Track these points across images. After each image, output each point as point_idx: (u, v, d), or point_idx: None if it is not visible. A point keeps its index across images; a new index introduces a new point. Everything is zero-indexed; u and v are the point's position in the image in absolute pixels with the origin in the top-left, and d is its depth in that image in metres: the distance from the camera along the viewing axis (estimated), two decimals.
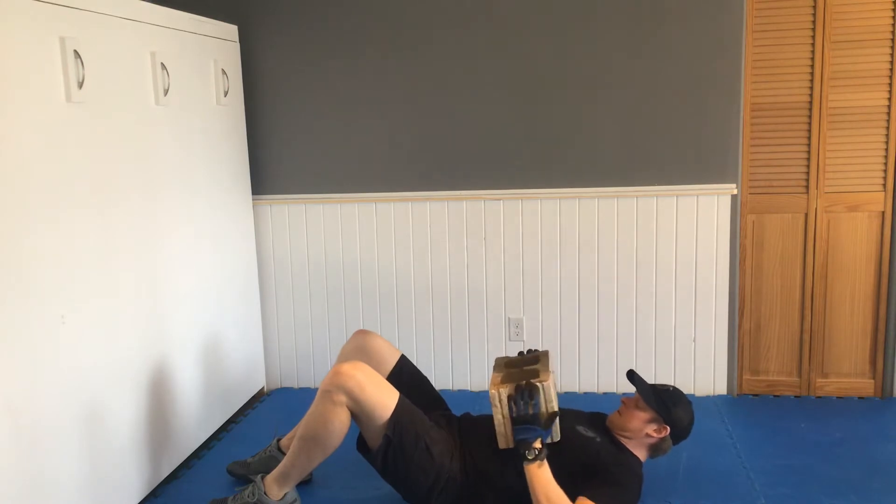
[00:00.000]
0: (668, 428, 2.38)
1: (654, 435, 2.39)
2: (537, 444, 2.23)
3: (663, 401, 2.40)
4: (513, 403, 2.25)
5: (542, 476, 2.21)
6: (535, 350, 2.54)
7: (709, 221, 3.28)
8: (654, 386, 2.46)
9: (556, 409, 2.27)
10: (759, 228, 3.33)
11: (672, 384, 2.48)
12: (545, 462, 2.22)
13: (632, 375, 2.48)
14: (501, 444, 2.32)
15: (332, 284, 3.59)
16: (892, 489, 2.53)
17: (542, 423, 2.23)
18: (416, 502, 2.38)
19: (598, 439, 2.37)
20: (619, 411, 2.47)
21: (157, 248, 2.69)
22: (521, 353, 2.56)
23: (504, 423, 2.29)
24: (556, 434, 2.30)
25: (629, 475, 2.32)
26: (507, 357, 2.59)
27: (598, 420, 2.51)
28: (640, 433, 2.39)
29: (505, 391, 2.28)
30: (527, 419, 2.23)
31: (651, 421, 2.39)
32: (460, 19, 3.30)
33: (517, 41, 3.27)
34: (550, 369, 2.36)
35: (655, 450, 2.44)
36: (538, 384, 2.25)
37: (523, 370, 2.40)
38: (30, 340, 2.06)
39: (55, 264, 2.16)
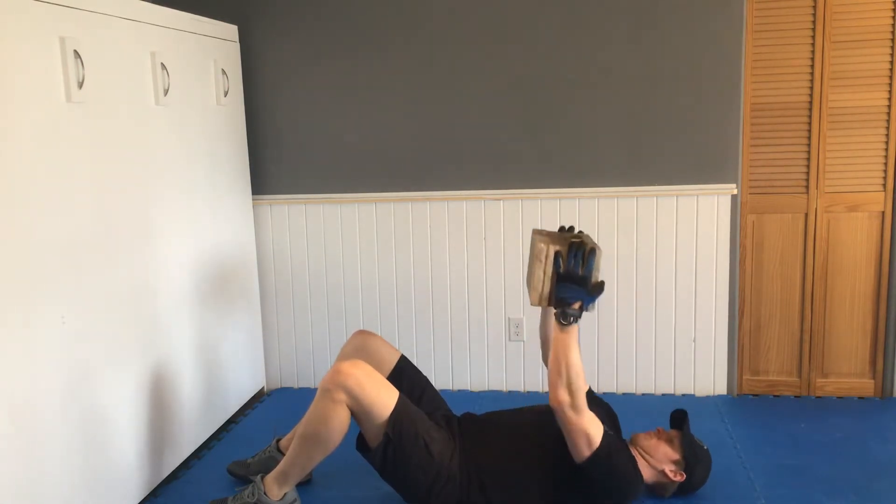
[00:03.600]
0: (685, 476, 2.41)
1: (669, 476, 2.41)
2: (576, 306, 2.13)
3: (694, 451, 2.43)
4: (561, 260, 2.13)
5: (569, 338, 2.14)
6: (573, 228, 2.39)
7: (709, 221, 3.28)
8: (693, 436, 2.48)
9: (603, 280, 2.17)
10: (759, 228, 3.33)
11: (706, 446, 2.52)
12: (576, 329, 2.15)
13: (683, 416, 2.50)
14: (533, 300, 2.19)
15: (331, 284, 3.59)
16: (892, 489, 2.53)
17: (589, 287, 2.13)
18: (415, 502, 2.38)
19: (612, 433, 2.38)
20: (650, 435, 2.49)
21: (157, 248, 2.69)
22: (561, 229, 2.40)
23: (544, 279, 2.16)
24: (593, 306, 2.18)
25: (632, 464, 2.34)
26: (546, 229, 2.40)
27: (612, 417, 2.53)
28: (659, 465, 2.42)
29: (555, 247, 2.14)
30: (575, 278, 2.11)
31: (674, 462, 2.42)
32: (460, 19, 3.30)
33: (517, 41, 3.27)
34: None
35: (659, 488, 2.46)
36: (598, 249, 2.14)
37: (568, 236, 2.25)
38: (30, 340, 2.07)
39: (55, 264, 2.16)
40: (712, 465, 2.50)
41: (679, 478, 2.41)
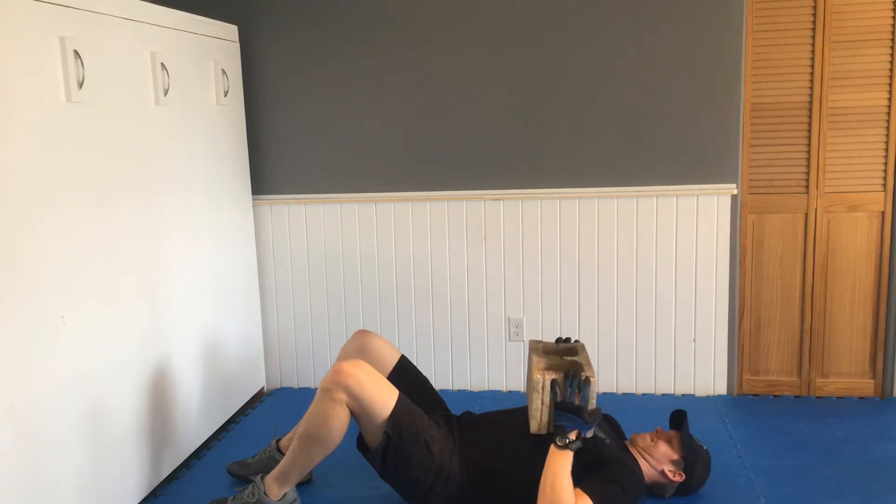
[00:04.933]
0: (684, 477, 2.41)
1: (668, 476, 2.42)
2: (573, 435, 2.17)
3: (694, 451, 2.43)
4: (558, 388, 2.18)
5: (562, 464, 2.17)
6: (569, 339, 2.49)
7: (709, 221, 3.28)
8: (692, 436, 2.48)
9: (599, 407, 2.23)
10: (759, 228, 3.33)
11: (706, 446, 2.52)
12: (570, 454, 2.18)
13: (682, 416, 2.50)
14: (532, 429, 2.26)
15: (331, 284, 3.59)
16: (892, 489, 2.53)
17: (586, 416, 2.17)
18: (415, 501, 2.39)
19: (608, 441, 2.38)
20: (649, 435, 2.49)
21: (157, 248, 2.69)
22: (558, 340, 2.50)
23: (542, 409, 2.22)
24: (591, 433, 2.24)
25: (630, 476, 2.32)
26: (542, 342, 2.50)
27: (610, 422, 2.53)
28: (659, 465, 2.42)
29: (550, 376, 2.20)
30: (571, 408, 2.17)
31: (674, 462, 2.42)
32: (460, 19, 3.30)
33: (518, 41, 3.27)
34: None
35: (658, 488, 2.46)
36: (592, 378, 2.19)
37: (565, 360, 2.33)
38: (30, 340, 2.07)
39: (55, 264, 2.16)
40: (712, 466, 2.51)
41: (678, 478, 2.41)
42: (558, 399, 2.19)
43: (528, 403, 2.33)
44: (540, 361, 2.32)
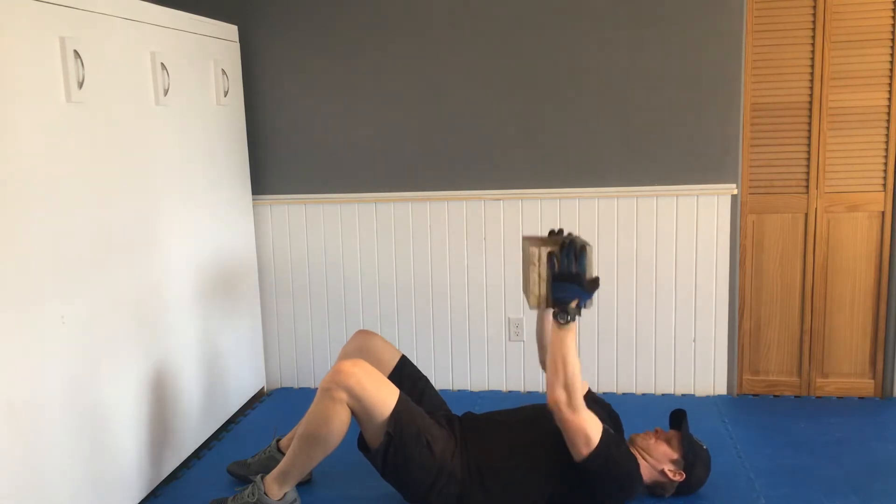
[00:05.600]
0: (684, 476, 2.41)
1: (668, 475, 2.41)
2: (573, 304, 2.15)
3: (694, 451, 2.43)
4: (555, 260, 2.16)
5: (568, 340, 2.17)
6: (562, 230, 2.44)
7: (709, 221, 3.28)
8: (692, 435, 2.48)
9: (598, 276, 2.20)
10: (760, 228, 3.33)
11: (706, 445, 2.52)
12: (574, 327, 2.17)
13: (682, 415, 2.50)
14: (531, 304, 2.23)
15: (331, 284, 3.59)
16: (892, 489, 2.53)
17: (585, 283, 2.14)
18: (416, 500, 2.38)
19: (612, 431, 2.38)
20: (648, 435, 2.49)
21: (157, 247, 2.69)
22: (551, 232, 2.44)
23: (539, 282, 2.19)
24: (591, 302, 2.21)
25: (631, 458, 2.34)
26: (535, 236, 2.46)
27: (613, 417, 2.53)
28: (658, 465, 2.42)
29: (546, 249, 2.18)
30: (570, 276, 2.14)
31: (673, 461, 2.42)
32: (460, 19, 3.30)
33: (517, 41, 3.27)
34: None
35: (658, 488, 2.47)
36: (588, 246, 2.17)
37: (559, 237, 2.30)
38: (30, 340, 2.07)
39: (55, 264, 2.16)
40: (712, 465, 2.51)
41: (678, 477, 2.41)
42: (556, 269, 2.15)
43: (524, 282, 2.27)
44: (534, 240, 2.29)
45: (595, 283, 2.17)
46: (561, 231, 2.42)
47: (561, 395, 2.16)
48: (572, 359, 2.16)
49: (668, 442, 2.45)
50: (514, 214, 3.40)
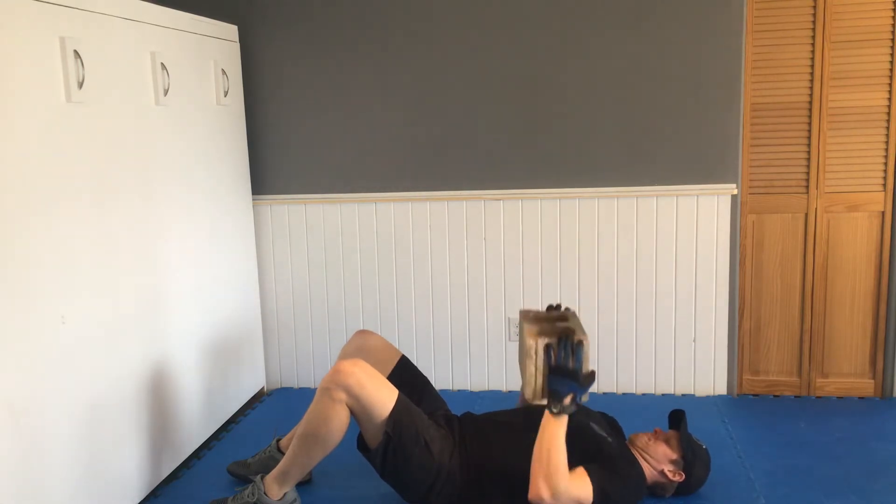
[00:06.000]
0: (684, 476, 2.41)
1: (668, 476, 2.41)
2: (567, 399, 2.17)
3: (693, 451, 2.43)
4: (552, 353, 2.18)
5: (557, 430, 2.17)
6: (560, 306, 2.49)
7: (709, 221, 3.28)
8: (692, 435, 2.48)
9: (594, 370, 2.22)
10: (759, 228, 3.33)
11: (705, 445, 2.53)
12: (565, 420, 2.18)
13: (681, 415, 2.50)
14: (528, 395, 2.25)
15: (331, 284, 3.59)
16: (892, 489, 2.53)
17: (580, 379, 2.17)
18: (415, 501, 2.39)
19: (610, 440, 2.38)
20: (647, 435, 2.49)
21: (157, 247, 2.70)
22: (549, 308, 2.49)
23: (536, 374, 2.21)
24: (586, 396, 2.23)
25: (633, 473, 2.33)
26: (533, 311, 2.50)
27: (610, 422, 2.52)
28: (658, 465, 2.42)
29: (543, 341, 2.20)
30: (566, 372, 2.17)
31: (673, 462, 2.42)
32: (460, 20, 3.30)
33: (518, 41, 3.27)
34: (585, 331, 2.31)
35: (658, 488, 2.46)
36: (584, 340, 2.19)
37: (557, 326, 2.32)
38: (30, 340, 2.07)
39: (55, 264, 2.16)
40: (712, 465, 2.50)
41: (678, 478, 2.41)
42: (552, 363, 2.18)
43: (521, 371, 2.31)
44: (532, 328, 2.30)
45: (591, 377, 2.19)
46: (559, 307, 2.46)
47: (543, 491, 2.14)
48: (557, 451, 2.15)
49: (668, 442, 2.45)
50: (514, 214, 3.39)
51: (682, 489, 2.45)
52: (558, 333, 2.22)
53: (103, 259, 2.38)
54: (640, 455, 2.43)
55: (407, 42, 3.35)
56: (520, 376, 2.41)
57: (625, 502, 2.31)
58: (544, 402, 2.22)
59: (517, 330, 2.35)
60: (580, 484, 2.19)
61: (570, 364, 2.17)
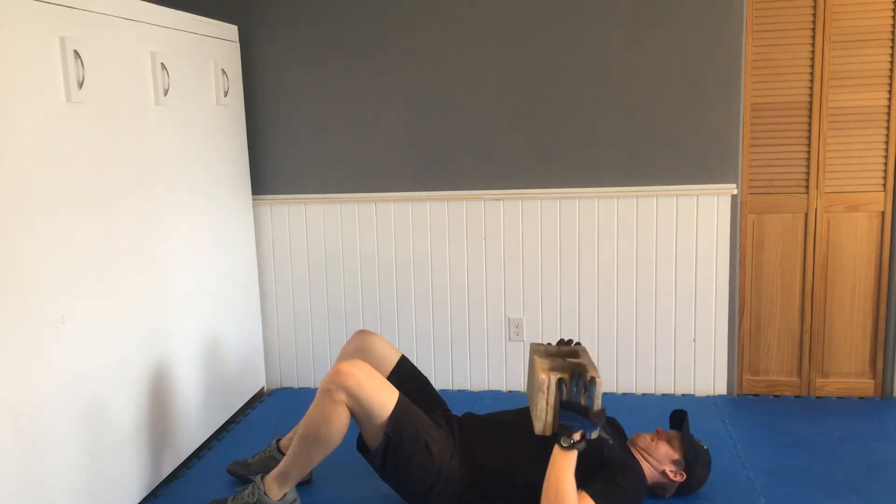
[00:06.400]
0: (685, 476, 2.41)
1: (669, 476, 2.41)
2: (577, 436, 2.16)
3: (694, 451, 2.43)
4: (564, 387, 2.17)
5: (566, 465, 2.15)
6: (571, 341, 2.48)
7: (709, 221, 3.28)
8: (693, 436, 2.48)
9: (605, 408, 2.21)
10: (760, 228, 3.33)
11: (706, 446, 2.53)
12: (574, 455, 2.16)
13: (683, 416, 2.50)
14: (537, 430, 2.23)
15: (331, 285, 3.59)
16: (892, 489, 2.53)
17: (591, 416, 2.15)
18: (415, 501, 2.38)
19: (612, 442, 2.38)
20: (649, 435, 2.49)
21: (157, 248, 2.69)
22: (560, 342, 2.49)
23: (547, 409, 2.20)
24: (596, 433, 2.22)
25: (634, 479, 2.32)
26: (544, 344, 2.49)
27: (611, 423, 2.52)
28: (660, 465, 2.42)
29: (556, 376, 2.19)
30: (577, 408, 2.15)
31: (674, 462, 2.42)
32: (459, 20, 3.30)
33: (517, 41, 3.27)
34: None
35: (659, 488, 2.46)
36: (598, 378, 2.18)
37: (568, 361, 2.31)
38: (30, 340, 2.06)
39: (55, 264, 2.15)
40: (712, 465, 2.51)
41: (679, 478, 2.41)
42: (564, 398, 2.16)
43: (530, 405, 2.31)
44: (544, 363, 2.29)
45: (601, 414, 2.16)
46: (570, 341, 2.45)
47: None
48: (566, 485, 2.13)
49: (670, 442, 2.45)
50: (514, 214, 3.39)
51: (683, 489, 2.46)
52: (571, 370, 2.21)
53: (103, 258, 2.38)
54: (642, 455, 2.43)
55: (407, 42, 3.35)
56: (525, 391, 2.40)
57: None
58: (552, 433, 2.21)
59: (527, 362, 2.33)
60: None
61: (583, 401, 2.15)
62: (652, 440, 2.46)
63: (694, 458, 2.42)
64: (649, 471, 2.42)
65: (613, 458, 2.32)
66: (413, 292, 3.52)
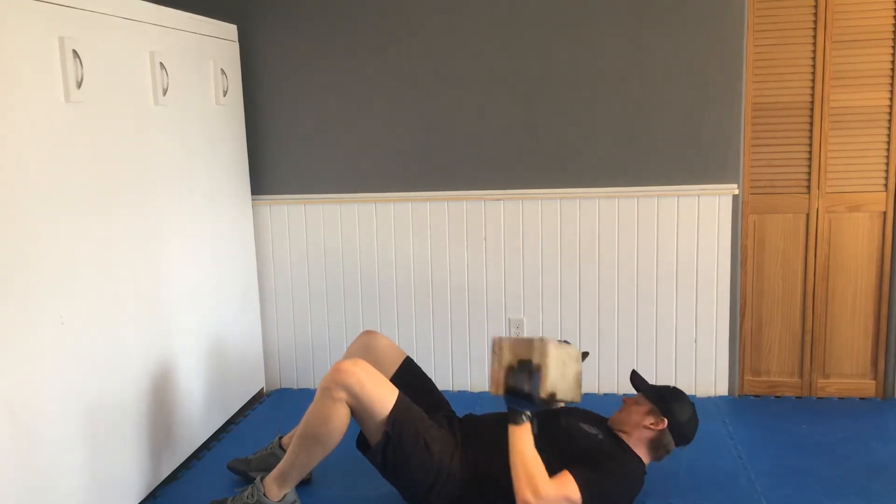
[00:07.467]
0: (666, 420, 2.36)
1: (652, 428, 2.37)
2: (523, 415, 2.26)
3: (662, 395, 2.42)
4: (511, 372, 2.28)
5: (522, 439, 2.23)
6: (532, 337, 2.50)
7: (710, 222, 3.27)
8: (654, 385, 2.48)
9: (553, 391, 2.26)
10: (761, 228, 3.32)
11: (674, 385, 2.50)
12: (527, 427, 2.25)
13: (634, 375, 2.51)
14: (491, 390, 2.36)
15: (331, 285, 3.58)
16: (893, 490, 2.52)
17: (536, 401, 2.23)
18: (415, 501, 2.38)
19: (601, 436, 2.37)
20: (619, 410, 2.48)
21: (157, 248, 2.69)
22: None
23: (498, 370, 2.33)
24: (532, 412, 2.30)
25: (621, 469, 2.31)
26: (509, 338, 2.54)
27: (602, 421, 2.52)
28: (639, 426, 2.39)
29: (507, 344, 2.33)
30: (521, 393, 2.25)
31: (648, 413, 2.39)
32: (460, 19, 3.30)
33: (518, 41, 3.27)
34: (550, 357, 2.32)
35: (656, 447, 2.40)
36: (545, 364, 2.25)
37: (522, 339, 2.41)
38: (30, 341, 2.06)
39: (55, 264, 2.15)
40: (713, 467, 2.50)
41: (662, 424, 2.36)
42: (510, 385, 2.27)
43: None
44: (507, 341, 2.40)
45: (549, 400, 2.23)
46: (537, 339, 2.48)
47: (528, 497, 2.16)
48: (527, 457, 2.21)
49: (637, 403, 2.44)
50: (515, 214, 3.39)
51: (678, 436, 2.39)
52: (520, 357, 2.31)
53: (102, 258, 2.37)
54: (622, 432, 2.40)
55: (407, 42, 3.35)
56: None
57: (622, 496, 2.30)
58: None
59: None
60: (563, 483, 2.18)
61: (526, 388, 2.24)
62: (621, 412, 2.46)
63: (669, 399, 2.39)
64: (638, 439, 2.38)
65: (602, 449, 2.32)
66: (413, 293, 3.52)
